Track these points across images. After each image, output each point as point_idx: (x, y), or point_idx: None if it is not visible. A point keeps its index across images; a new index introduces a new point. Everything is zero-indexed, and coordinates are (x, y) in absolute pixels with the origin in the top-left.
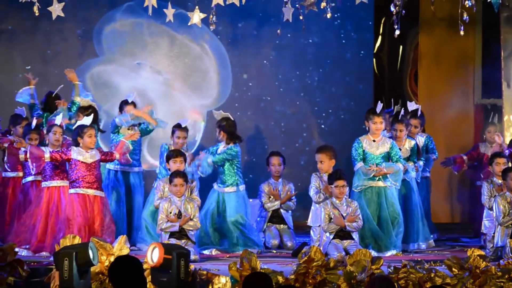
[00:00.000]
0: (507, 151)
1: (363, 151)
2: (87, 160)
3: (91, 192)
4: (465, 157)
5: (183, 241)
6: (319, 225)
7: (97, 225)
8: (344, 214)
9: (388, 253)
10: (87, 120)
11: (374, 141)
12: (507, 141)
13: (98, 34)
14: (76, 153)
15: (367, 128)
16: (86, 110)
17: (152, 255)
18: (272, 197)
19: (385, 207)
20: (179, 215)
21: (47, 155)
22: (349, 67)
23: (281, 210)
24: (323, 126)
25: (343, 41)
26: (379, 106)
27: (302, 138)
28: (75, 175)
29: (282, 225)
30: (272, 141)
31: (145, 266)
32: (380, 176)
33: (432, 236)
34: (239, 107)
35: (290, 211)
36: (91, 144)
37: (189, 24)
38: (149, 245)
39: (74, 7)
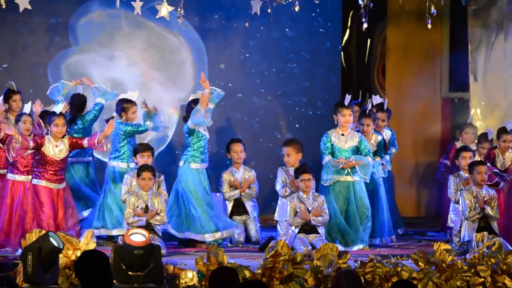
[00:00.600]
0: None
1: (332, 145)
2: (55, 157)
3: (53, 186)
4: (448, 162)
5: (150, 235)
6: (286, 220)
7: (61, 217)
8: (310, 208)
9: (355, 248)
10: (57, 108)
11: (342, 135)
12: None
13: (74, 25)
14: (47, 142)
15: (335, 122)
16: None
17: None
18: (232, 186)
19: (353, 202)
20: (146, 209)
21: (31, 145)
22: (318, 60)
23: (243, 200)
24: (294, 119)
25: (313, 35)
26: (347, 98)
27: (273, 131)
28: (40, 165)
29: (245, 215)
30: (244, 134)
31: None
32: (349, 170)
33: (399, 230)
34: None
35: (254, 200)
36: (58, 134)
37: (157, 17)
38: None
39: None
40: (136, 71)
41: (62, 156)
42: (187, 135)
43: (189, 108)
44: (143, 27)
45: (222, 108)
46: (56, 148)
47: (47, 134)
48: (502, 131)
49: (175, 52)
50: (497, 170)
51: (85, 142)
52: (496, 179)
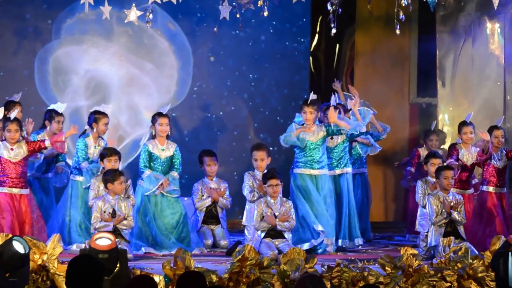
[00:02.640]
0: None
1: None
2: (11, 159)
3: (16, 191)
4: (413, 170)
5: (116, 239)
6: (253, 224)
7: (27, 223)
8: (277, 214)
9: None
10: (13, 114)
11: (309, 130)
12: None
13: (62, 21)
14: (2, 149)
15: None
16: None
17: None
18: (204, 195)
19: (320, 197)
20: (113, 214)
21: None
22: (287, 65)
23: (218, 209)
24: (262, 123)
25: (281, 39)
26: (311, 96)
27: (240, 135)
28: (0, 171)
29: (215, 225)
30: (212, 139)
31: None
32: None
33: (369, 235)
34: (184, 104)
35: (224, 211)
36: (11, 140)
37: (125, 21)
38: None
39: (8, 2)
40: (121, 72)
41: (18, 158)
42: None
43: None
44: (134, 27)
45: (191, 111)
46: (11, 152)
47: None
48: (462, 124)
49: (163, 55)
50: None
51: (47, 143)
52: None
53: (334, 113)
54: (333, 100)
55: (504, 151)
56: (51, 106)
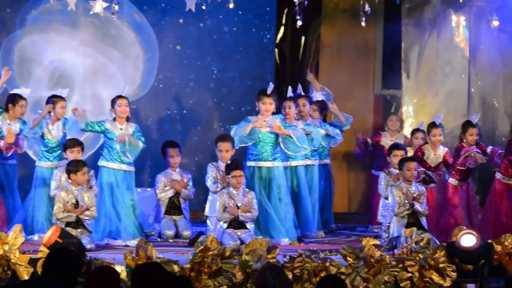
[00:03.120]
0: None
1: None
2: None
3: None
4: (369, 140)
5: (79, 230)
6: (216, 215)
7: None
8: (239, 204)
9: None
10: None
11: (264, 121)
12: (405, 132)
13: (27, 12)
14: None
15: (257, 109)
16: None
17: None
18: (167, 187)
19: (274, 189)
20: (76, 204)
21: None
22: (252, 57)
23: (180, 200)
24: (226, 114)
25: (247, 31)
26: (270, 87)
27: (204, 126)
28: None
29: (177, 216)
30: (177, 130)
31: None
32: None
33: (331, 226)
34: (149, 95)
35: (187, 202)
36: None
37: (90, 12)
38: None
39: None
40: (87, 62)
41: None
42: None
43: None
44: (100, 17)
45: (156, 102)
46: None
47: None
48: (432, 125)
49: (129, 46)
50: (423, 169)
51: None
52: (422, 177)
53: (278, 124)
54: (289, 92)
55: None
56: (15, 90)
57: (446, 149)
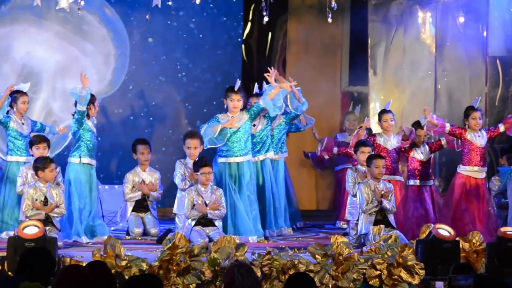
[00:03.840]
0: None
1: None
2: None
3: None
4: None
5: (48, 227)
6: (184, 213)
7: None
8: (208, 202)
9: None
10: None
11: (232, 117)
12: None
13: None
14: None
15: (225, 107)
16: None
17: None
18: (134, 187)
19: (244, 186)
20: (45, 202)
21: None
22: (219, 53)
23: (148, 203)
24: (193, 110)
25: (214, 27)
26: (237, 83)
27: (171, 123)
28: None
29: (144, 213)
30: (146, 126)
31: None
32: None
33: (298, 223)
34: (118, 91)
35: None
36: None
37: (56, 8)
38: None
39: None
40: (55, 58)
41: None
42: None
43: None
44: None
45: (126, 99)
46: None
47: None
48: (382, 112)
49: (101, 41)
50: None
51: None
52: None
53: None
54: (256, 88)
55: (426, 145)
56: (16, 87)
57: (400, 136)
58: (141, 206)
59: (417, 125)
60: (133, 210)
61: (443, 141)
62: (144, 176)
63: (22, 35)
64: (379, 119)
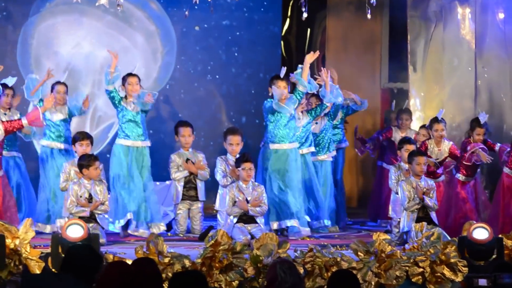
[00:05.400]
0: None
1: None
2: None
3: None
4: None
5: (91, 224)
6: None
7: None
8: (249, 198)
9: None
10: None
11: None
12: (413, 125)
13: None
14: None
15: (270, 94)
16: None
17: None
18: (181, 167)
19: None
20: (89, 198)
21: None
22: (258, 49)
23: (197, 181)
24: (235, 107)
25: (253, 24)
26: (283, 70)
27: (212, 120)
28: None
29: (194, 204)
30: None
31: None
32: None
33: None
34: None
35: (203, 183)
36: None
37: (96, 4)
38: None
39: None
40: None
41: None
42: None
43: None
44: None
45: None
46: None
47: None
48: (434, 120)
49: (150, 38)
50: (432, 160)
51: (24, 121)
52: (433, 168)
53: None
54: (283, 71)
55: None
56: (2, 80)
57: (451, 143)
58: (190, 189)
59: (476, 123)
60: (182, 198)
61: (497, 147)
62: (187, 155)
63: (70, 26)
64: (430, 128)
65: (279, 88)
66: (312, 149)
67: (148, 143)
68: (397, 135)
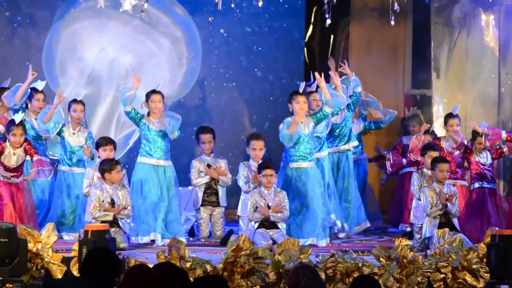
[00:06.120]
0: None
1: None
2: (11, 165)
3: (12, 180)
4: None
5: (113, 229)
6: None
7: (23, 211)
8: (271, 204)
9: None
10: (17, 117)
11: (301, 122)
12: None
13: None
14: (6, 151)
15: (290, 110)
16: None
17: None
18: (202, 173)
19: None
20: (111, 203)
21: None
22: (281, 55)
23: (218, 186)
24: (257, 113)
25: (276, 30)
26: (302, 86)
27: (234, 127)
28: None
29: (216, 210)
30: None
31: None
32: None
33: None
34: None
35: (225, 189)
36: (16, 144)
37: (120, 10)
38: None
39: None
40: (126, 59)
41: (19, 163)
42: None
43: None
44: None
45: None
46: (13, 157)
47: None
48: (449, 116)
49: (176, 43)
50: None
51: (34, 158)
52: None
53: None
54: (301, 87)
55: (487, 151)
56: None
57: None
58: (211, 194)
59: (476, 133)
60: (202, 204)
61: (505, 149)
62: (209, 161)
63: (95, 31)
64: (445, 123)
65: (299, 104)
66: (325, 153)
67: (169, 162)
68: (409, 141)
